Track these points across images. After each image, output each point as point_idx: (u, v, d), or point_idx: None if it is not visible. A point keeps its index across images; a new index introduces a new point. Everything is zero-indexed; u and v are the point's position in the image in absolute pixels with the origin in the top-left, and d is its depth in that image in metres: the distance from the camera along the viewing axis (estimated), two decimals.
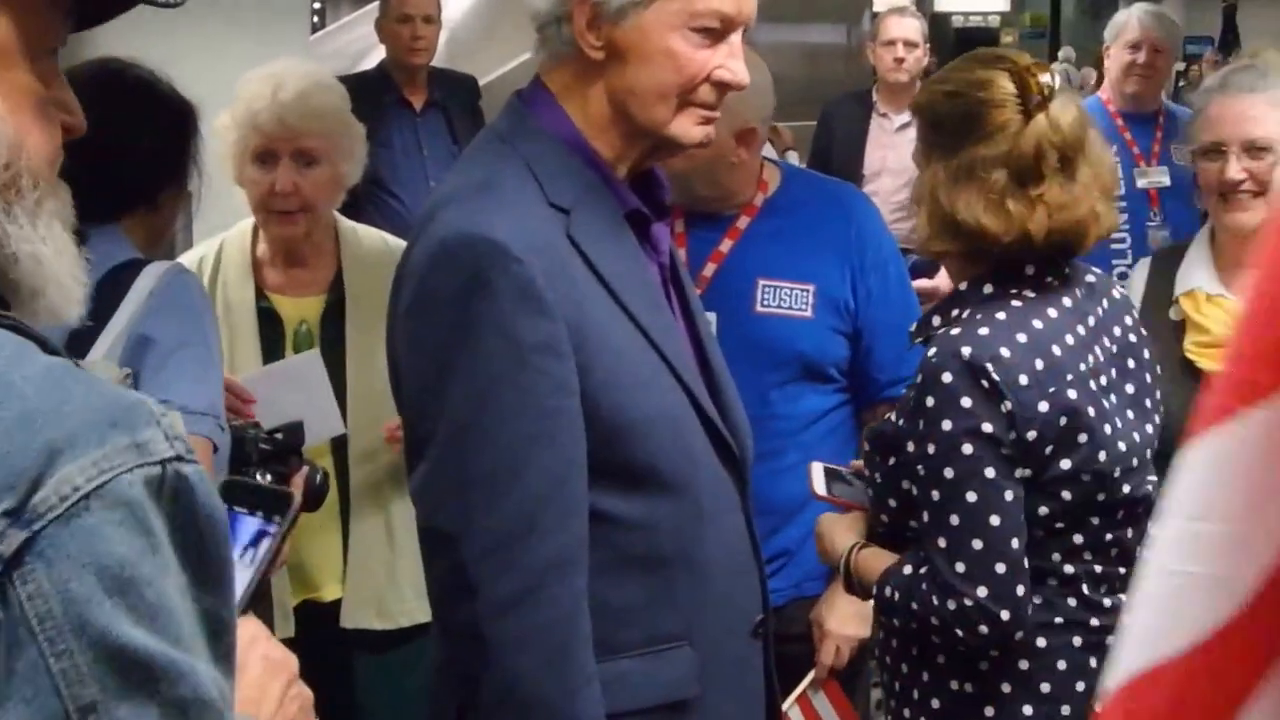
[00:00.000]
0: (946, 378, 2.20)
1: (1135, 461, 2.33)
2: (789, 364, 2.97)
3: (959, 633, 2.23)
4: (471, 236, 1.86)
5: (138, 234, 2.56)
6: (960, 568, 2.20)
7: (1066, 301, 2.33)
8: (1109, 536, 2.32)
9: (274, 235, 2.99)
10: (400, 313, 1.94)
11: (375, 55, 6.11)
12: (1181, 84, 10.97)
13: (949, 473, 2.20)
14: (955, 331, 2.25)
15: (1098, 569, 2.33)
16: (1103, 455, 2.27)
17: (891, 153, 6.18)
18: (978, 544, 2.20)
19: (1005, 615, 2.21)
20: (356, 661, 2.99)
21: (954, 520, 2.21)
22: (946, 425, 2.19)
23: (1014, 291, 2.30)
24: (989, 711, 2.31)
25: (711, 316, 2.90)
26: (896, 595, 2.28)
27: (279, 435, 2.66)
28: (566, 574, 1.87)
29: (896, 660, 2.40)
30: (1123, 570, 2.33)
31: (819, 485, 2.55)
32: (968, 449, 2.19)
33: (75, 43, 3.34)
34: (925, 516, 2.25)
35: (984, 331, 2.24)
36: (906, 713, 2.38)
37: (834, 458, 2.73)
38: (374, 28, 5.92)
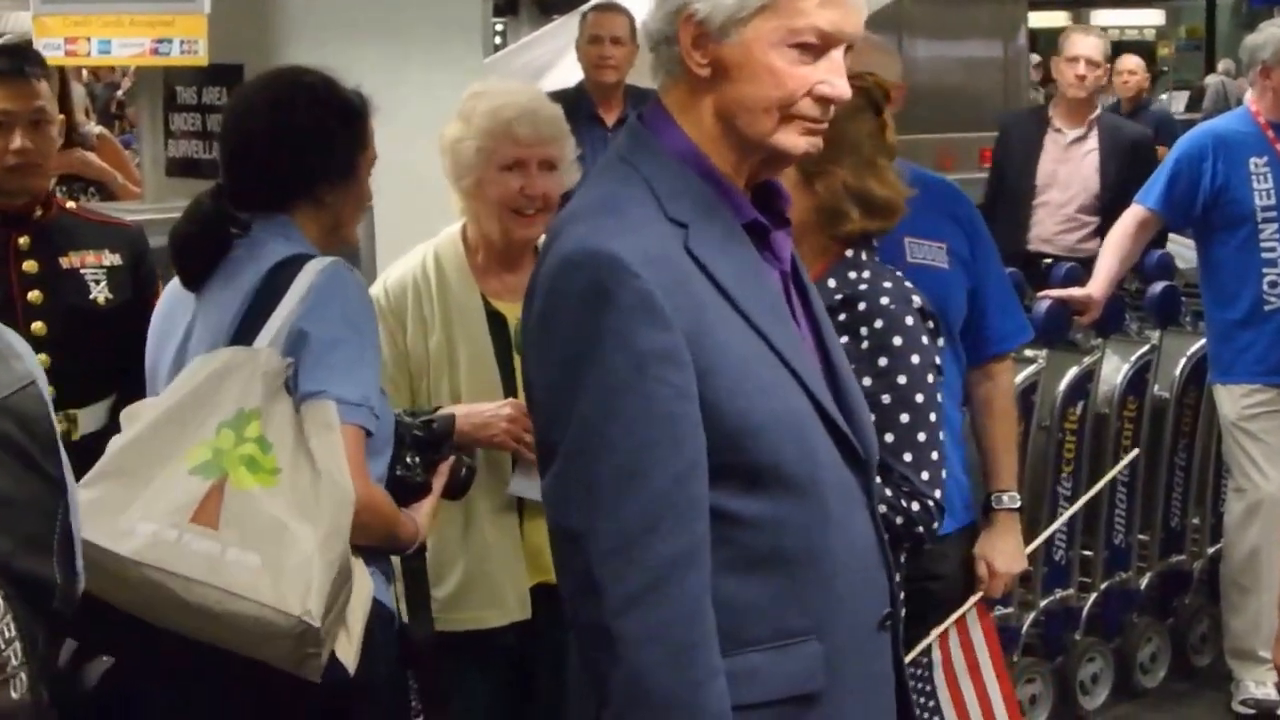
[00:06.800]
0: None
1: None
2: (938, 316, 3.18)
3: None
4: (593, 251, 1.93)
5: (310, 229, 2.73)
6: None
7: None
8: None
9: (516, 236, 3.17)
10: (530, 324, 2.04)
11: (552, 74, 6.36)
12: None
13: None
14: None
15: None
16: None
17: (1062, 167, 6.28)
18: None
19: None
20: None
21: None
22: None
23: None
24: None
25: None
26: None
27: (434, 424, 2.82)
28: (688, 572, 1.91)
29: None
30: None
31: None
32: None
33: (264, 63, 3.56)
34: None
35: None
36: None
37: (949, 416, 3.10)
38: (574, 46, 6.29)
